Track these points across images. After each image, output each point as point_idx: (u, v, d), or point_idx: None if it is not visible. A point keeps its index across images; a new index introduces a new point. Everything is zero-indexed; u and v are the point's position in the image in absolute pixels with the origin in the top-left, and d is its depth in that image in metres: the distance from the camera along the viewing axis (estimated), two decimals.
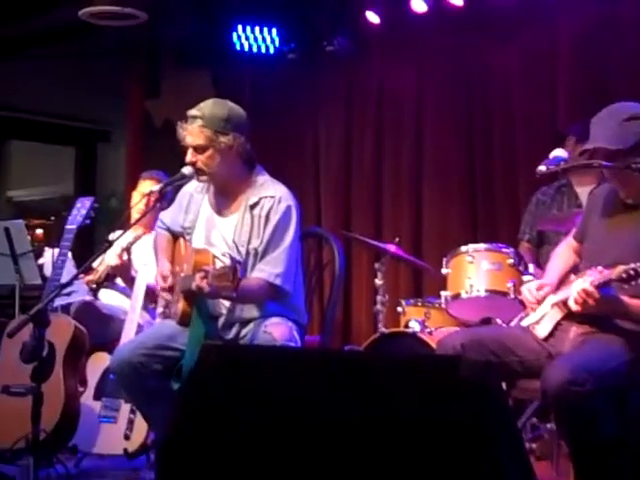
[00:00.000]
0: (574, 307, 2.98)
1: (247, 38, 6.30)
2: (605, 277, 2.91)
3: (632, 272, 2.80)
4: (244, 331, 3.52)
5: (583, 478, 2.93)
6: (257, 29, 6.30)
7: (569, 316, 3.17)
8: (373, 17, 5.96)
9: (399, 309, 4.82)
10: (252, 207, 3.50)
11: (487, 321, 4.28)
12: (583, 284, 2.94)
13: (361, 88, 6.37)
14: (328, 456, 1.99)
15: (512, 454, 1.97)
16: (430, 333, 4.48)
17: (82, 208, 4.08)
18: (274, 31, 6.32)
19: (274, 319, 3.49)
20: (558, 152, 3.32)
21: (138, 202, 4.44)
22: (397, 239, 4.86)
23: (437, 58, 5.99)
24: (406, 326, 4.64)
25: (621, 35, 5.12)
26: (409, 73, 6.11)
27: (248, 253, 3.49)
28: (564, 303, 3.13)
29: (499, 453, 1.90)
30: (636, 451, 2.90)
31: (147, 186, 4.45)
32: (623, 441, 2.87)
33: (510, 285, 4.08)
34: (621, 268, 2.83)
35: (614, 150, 3.04)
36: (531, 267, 4.21)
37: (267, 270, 3.44)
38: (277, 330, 3.41)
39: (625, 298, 2.99)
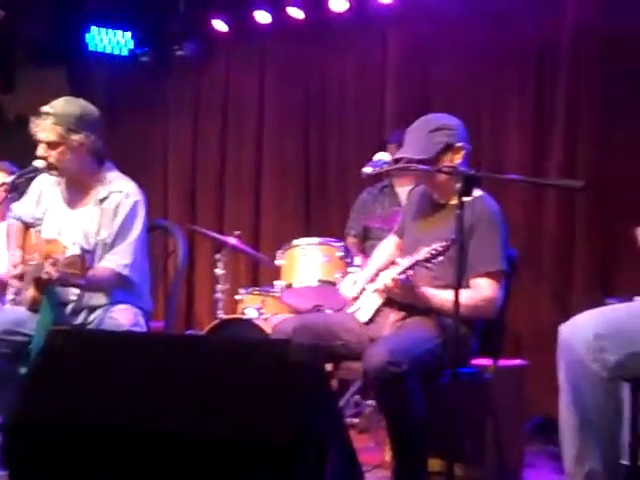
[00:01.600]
0: (389, 291, 3.11)
1: (102, 40, 6.22)
2: (412, 260, 3.06)
3: (434, 251, 2.98)
4: (92, 317, 3.49)
5: (398, 448, 3.06)
6: (112, 32, 6.23)
7: (389, 302, 3.30)
8: (221, 25, 6.02)
9: (238, 297, 4.87)
10: (101, 201, 3.49)
11: (318, 308, 4.38)
12: (389, 274, 3.09)
13: (208, 90, 6.40)
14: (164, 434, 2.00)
15: (333, 428, 2.05)
16: (266, 319, 4.55)
17: None
18: (128, 34, 6.28)
19: (120, 306, 3.48)
20: (381, 155, 3.44)
21: None
22: (237, 233, 4.91)
23: (279, 65, 6.08)
24: (243, 313, 4.70)
25: (442, 52, 5.34)
26: (253, 78, 6.17)
27: (97, 244, 3.47)
28: (382, 290, 3.26)
29: (321, 427, 1.97)
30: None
31: None
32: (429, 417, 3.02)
33: (338, 276, 4.20)
34: (425, 249, 2.98)
35: (418, 159, 3.20)
36: (357, 259, 4.34)
37: (115, 260, 3.43)
38: (123, 316, 3.40)
39: (430, 290, 3.15)
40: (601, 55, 4.73)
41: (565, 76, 4.85)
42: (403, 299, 3.20)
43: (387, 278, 3.11)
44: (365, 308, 3.33)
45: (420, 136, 3.27)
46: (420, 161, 3.19)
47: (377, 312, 3.31)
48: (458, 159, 3.26)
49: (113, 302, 3.49)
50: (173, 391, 2.04)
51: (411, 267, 3.07)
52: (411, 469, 3.04)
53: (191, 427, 1.97)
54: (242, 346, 2.17)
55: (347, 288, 3.41)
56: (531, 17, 4.99)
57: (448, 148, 3.26)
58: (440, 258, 3.00)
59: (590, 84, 4.77)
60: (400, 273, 3.08)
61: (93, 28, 6.19)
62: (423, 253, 3.02)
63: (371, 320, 3.31)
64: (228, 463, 1.91)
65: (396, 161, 3.29)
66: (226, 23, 6.03)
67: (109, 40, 6.25)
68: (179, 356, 2.10)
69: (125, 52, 6.32)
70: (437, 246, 3.00)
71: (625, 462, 2.64)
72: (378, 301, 3.31)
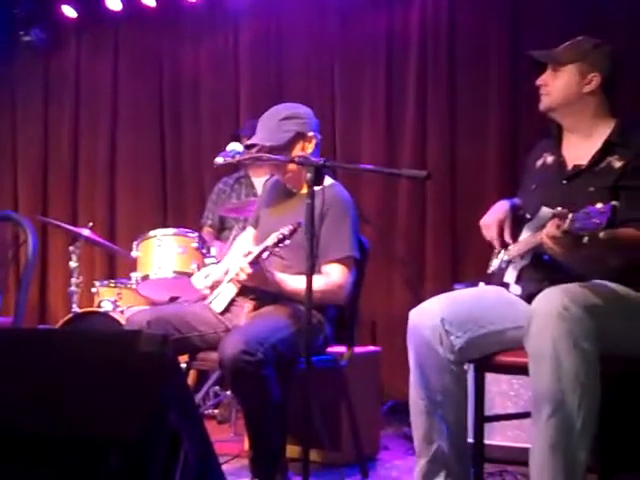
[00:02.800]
0: (241, 277, 3.13)
1: None
2: (261, 247, 3.10)
3: (281, 235, 3.03)
4: None
5: (255, 436, 3.09)
6: None
7: (243, 292, 3.32)
8: (70, 11, 5.87)
9: (93, 290, 4.79)
10: None
11: (174, 300, 4.36)
12: (240, 262, 3.12)
13: (58, 78, 6.22)
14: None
15: (186, 419, 2.05)
16: (122, 312, 4.49)
17: None
18: None
19: None
20: (234, 146, 3.45)
21: None
22: (90, 224, 4.82)
23: (132, 53, 5.99)
24: (99, 306, 4.62)
25: (295, 42, 5.40)
26: (105, 66, 6.05)
27: None
28: (237, 279, 3.28)
29: (174, 419, 1.97)
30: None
31: None
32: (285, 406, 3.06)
33: (194, 267, 4.19)
34: (274, 234, 3.03)
35: (269, 146, 3.24)
36: (213, 250, 4.34)
37: None
38: None
39: (282, 275, 3.19)
40: (447, 48, 4.91)
41: (414, 69, 5.00)
42: (256, 286, 3.22)
43: (238, 266, 3.12)
44: (220, 298, 3.34)
45: (271, 124, 3.31)
46: (271, 149, 3.24)
47: (232, 302, 3.33)
48: (310, 148, 3.32)
49: None
50: (21, 387, 1.99)
51: (261, 253, 3.11)
52: (268, 457, 3.07)
53: (39, 423, 1.93)
54: (92, 339, 2.13)
55: (198, 280, 3.41)
56: (381, 9, 5.11)
57: (299, 136, 3.31)
58: (287, 242, 3.05)
59: (437, 75, 4.93)
60: (251, 261, 3.10)
61: None
62: (271, 239, 3.06)
63: (226, 310, 3.32)
64: (77, 459, 1.88)
65: (248, 147, 3.30)
66: (75, 9, 5.89)
67: None
68: (24, 351, 2.05)
69: None
70: (284, 230, 3.04)
71: (471, 440, 2.77)
72: (233, 291, 3.33)
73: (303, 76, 5.36)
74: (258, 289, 3.26)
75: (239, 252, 3.50)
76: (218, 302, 3.34)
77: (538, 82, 2.81)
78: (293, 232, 3.04)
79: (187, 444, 2.08)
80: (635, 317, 2.55)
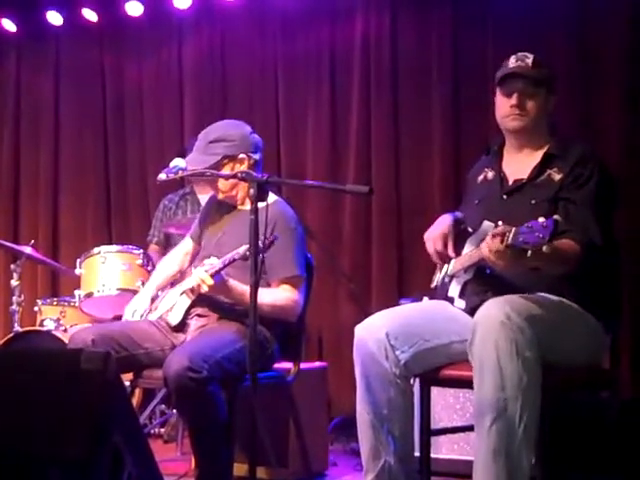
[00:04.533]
0: (203, 289, 3.13)
1: None
2: (227, 259, 3.10)
3: (248, 252, 3.02)
4: None
5: (200, 455, 3.06)
6: None
7: (193, 307, 3.31)
8: (9, 25, 5.81)
9: (36, 308, 4.72)
10: None
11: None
12: (199, 273, 3.11)
13: None
14: None
15: (129, 437, 2.04)
16: (65, 330, 4.43)
17: None
18: None
19: None
20: (177, 162, 3.44)
21: None
22: (32, 242, 4.75)
23: (74, 68, 5.89)
24: (41, 324, 4.55)
25: (239, 57, 5.41)
26: (47, 80, 5.95)
27: None
28: (191, 290, 3.27)
29: (116, 437, 1.95)
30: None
31: None
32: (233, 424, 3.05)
33: (139, 284, 4.16)
34: (244, 247, 3.02)
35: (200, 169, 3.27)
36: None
37: None
38: None
39: (242, 285, 3.16)
40: (390, 65, 4.96)
41: (357, 84, 5.04)
42: (218, 295, 3.22)
43: (200, 276, 3.11)
44: (175, 310, 3.33)
45: (201, 145, 3.36)
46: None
47: (187, 314, 3.32)
48: (243, 167, 3.30)
49: None
50: None
51: (225, 266, 3.12)
52: (215, 475, 3.06)
53: None
54: (33, 357, 2.12)
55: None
56: (324, 25, 5.16)
57: (227, 159, 3.32)
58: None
59: (380, 91, 4.98)
60: (213, 273, 3.10)
61: None
62: (242, 250, 3.04)
63: (183, 322, 3.31)
64: (19, 477, 1.86)
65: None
66: (15, 23, 5.81)
67: None
68: None
69: None
70: (247, 248, 3.03)
71: (417, 454, 2.79)
72: (187, 302, 3.32)
73: (247, 91, 5.37)
74: (210, 303, 3.26)
75: (165, 272, 3.53)
76: (174, 314, 3.33)
77: (516, 103, 2.79)
78: (268, 247, 3.02)
79: (131, 463, 2.07)
80: (573, 329, 2.61)
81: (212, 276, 3.10)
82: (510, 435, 2.39)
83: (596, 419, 3.31)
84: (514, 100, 2.79)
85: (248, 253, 3.00)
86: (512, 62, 2.83)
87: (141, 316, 3.42)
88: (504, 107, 2.83)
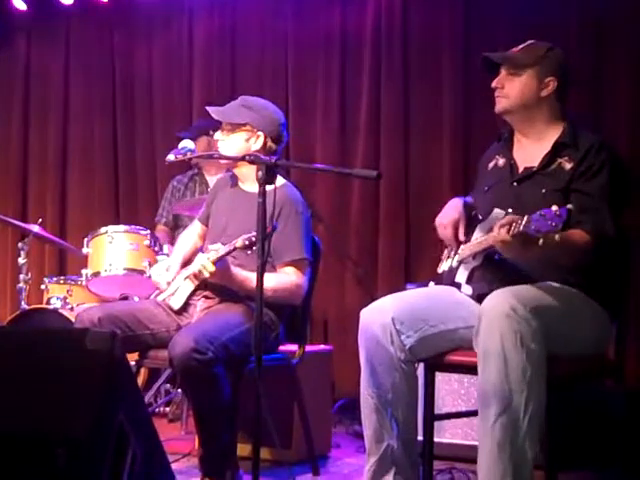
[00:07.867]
0: (206, 275, 3.12)
1: None
2: (230, 246, 3.08)
3: (248, 241, 3.01)
4: None
5: (205, 435, 3.07)
6: None
7: (199, 289, 3.31)
8: (20, 4, 5.79)
9: (43, 287, 4.73)
10: None
11: (125, 297, 4.32)
12: (202, 259, 3.11)
13: (7, 70, 6.10)
14: None
15: (134, 416, 2.04)
16: (72, 309, 4.44)
17: None
18: None
19: None
20: (186, 143, 3.43)
21: None
22: (40, 220, 4.76)
23: (84, 47, 5.91)
24: (48, 303, 4.56)
25: (249, 38, 5.39)
26: (56, 60, 5.96)
27: None
28: (195, 276, 3.27)
29: (121, 416, 1.96)
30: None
31: None
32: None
33: (146, 264, 4.16)
34: (244, 236, 3.02)
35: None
36: (166, 248, 4.32)
37: None
38: None
39: (244, 272, 3.17)
40: (401, 48, 4.93)
41: (367, 67, 5.01)
42: (221, 283, 3.21)
43: (202, 262, 3.11)
44: (178, 295, 3.33)
45: (233, 105, 3.38)
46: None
47: (189, 298, 3.32)
48: (255, 144, 3.32)
49: None
50: None
51: (228, 253, 3.10)
52: (219, 455, 3.07)
53: None
54: (39, 336, 2.12)
55: (159, 275, 3.38)
56: (335, 6, 5.12)
57: (247, 127, 3.32)
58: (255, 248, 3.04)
59: (390, 74, 4.95)
60: (216, 259, 3.09)
61: None
62: (240, 241, 3.04)
63: (184, 306, 3.31)
64: (25, 457, 1.87)
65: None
66: (26, 2, 5.80)
67: None
68: None
69: None
70: (252, 235, 3.02)
71: (420, 438, 2.79)
72: (191, 287, 3.32)
73: (257, 73, 5.35)
74: (216, 286, 3.25)
75: (187, 247, 3.51)
76: (176, 299, 3.32)
77: (494, 84, 2.82)
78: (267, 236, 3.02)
79: (135, 443, 2.07)
80: (580, 318, 2.60)
81: (214, 263, 3.10)
82: (515, 428, 2.38)
83: (602, 410, 3.31)
84: (493, 83, 2.80)
85: (247, 243, 3.01)
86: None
87: (172, 276, 3.37)
88: None
